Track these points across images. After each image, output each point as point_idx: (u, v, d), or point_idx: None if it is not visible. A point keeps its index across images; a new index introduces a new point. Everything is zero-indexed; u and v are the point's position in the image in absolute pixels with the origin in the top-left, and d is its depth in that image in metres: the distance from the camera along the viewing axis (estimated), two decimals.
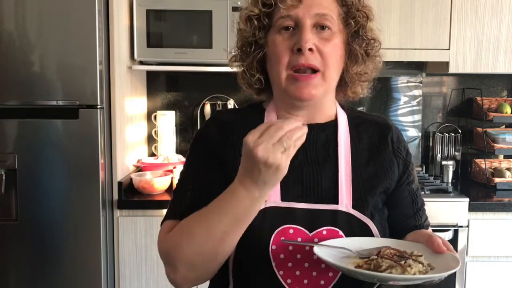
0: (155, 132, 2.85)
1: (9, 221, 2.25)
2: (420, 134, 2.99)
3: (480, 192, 2.65)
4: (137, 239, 2.37)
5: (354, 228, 1.01)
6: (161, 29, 2.54)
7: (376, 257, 0.92)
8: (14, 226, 2.25)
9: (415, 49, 2.61)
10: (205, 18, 2.50)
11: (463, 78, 3.02)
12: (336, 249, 0.95)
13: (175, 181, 2.48)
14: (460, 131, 2.96)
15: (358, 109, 1.20)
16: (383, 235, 1.05)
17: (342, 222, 1.01)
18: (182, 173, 1.12)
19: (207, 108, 2.91)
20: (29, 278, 2.27)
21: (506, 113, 2.82)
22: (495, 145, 2.76)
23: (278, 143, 0.85)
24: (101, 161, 2.24)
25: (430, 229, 1.16)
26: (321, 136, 1.09)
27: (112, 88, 2.33)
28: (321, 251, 0.93)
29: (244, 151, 0.88)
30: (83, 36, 2.19)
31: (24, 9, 2.19)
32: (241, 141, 0.89)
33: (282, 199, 1.02)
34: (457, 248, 2.42)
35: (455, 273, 0.90)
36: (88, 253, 2.26)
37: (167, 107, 2.96)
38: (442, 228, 2.39)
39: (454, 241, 2.40)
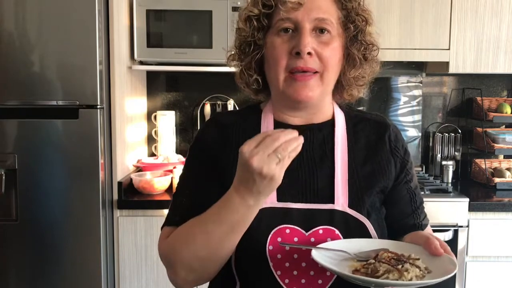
0: (155, 132, 2.85)
1: (9, 221, 2.25)
2: (420, 134, 2.99)
3: (480, 192, 2.65)
4: (137, 239, 2.37)
5: (351, 227, 1.01)
6: (161, 29, 2.54)
7: (373, 261, 0.92)
8: (14, 226, 2.25)
9: (415, 49, 2.61)
10: (205, 18, 2.50)
11: (463, 78, 3.02)
12: (334, 252, 0.96)
13: (175, 181, 2.49)
14: (460, 131, 2.96)
15: (357, 108, 1.21)
16: (380, 234, 1.05)
17: (339, 221, 1.01)
18: (180, 177, 1.13)
19: (207, 108, 2.91)
20: (29, 278, 2.27)
21: (506, 113, 2.82)
22: (495, 145, 2.76)
23: (273, 153, 0.86)
24: (101, 161, 2.24)
25: (429, 227, 1.16)
26: (318, 135, 1.09)
27: (112, 88, 2.33)
28: (319, 254, 0.93)
29: (240, 160, 0.89)
30: (83, 36, 2.19)
31: (24, 9, 2.19)
32: (241, 143, 0.90)
33: (279, 200, 1.03)
34: (457, 248, 2.42)
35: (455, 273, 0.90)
36: (88, 253, 2.26)
37: (167, 107, 2.96)
38: (442, 228, 2.39)
39: (454, 241, 2.40)
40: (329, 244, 0.98)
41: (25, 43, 2.20)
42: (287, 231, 1.00)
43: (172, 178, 2.54)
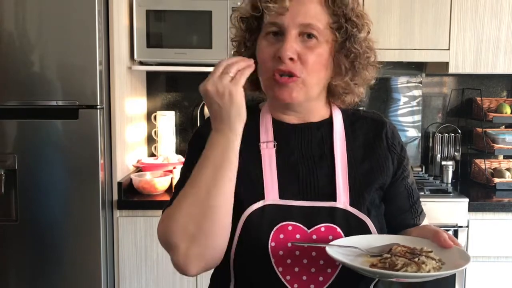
0: (155, 132, 2.86)
1: (9, 221, 2.26)
2: (419, 134, 3.00)
3: (480, 193, 2.66)
4: (137, 240, 2.37)
5: (352, 225, 1.02)
6: (161, 29, 2.54)
7: (389, 255, 0.93)
8: (14, 226, 2.25)
9: (415, 49, 2.61)
10: (205, 18, 2.50)
11: (462, 78, 3.02)
12: (346, 248, 0.97)
13: (175, 182, 2.48)
14: (459, 131, 2.97)
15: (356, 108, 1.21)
16: (380, 231, 1.06)
17: (340, 219, 1.02)
18: (182, 169, 1.13)
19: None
20: (29, 278, 2.27)
21: (505, 113, 2.82)
22: (495, 145, 2.76)
23: (223, 73, 0.94)
24: (101, 161, 2.25)
25: (426, 221, 1.18)
26: (317, 134, 1.10)
27: (112, 88, 2.33)
28: (333, 251, 0.94)
29: (203, 98, 0.96)
30: (83, 36, 2.19)
31: (24, 9, 2.19)
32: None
33: (280, 197, 1.03)
34: None
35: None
36: (88, 253, 2.26)
37: (167, 107, 2.96)
38: (442, 228, 2.38)
39: None
40: (341, 241, 0.99)
41: (25, 43, 2.20)
42: (289, 228, 1.00)
43: (172, 178, 2.55)
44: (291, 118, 1.11)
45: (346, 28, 1.03)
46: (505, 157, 2.94)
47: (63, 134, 2.24)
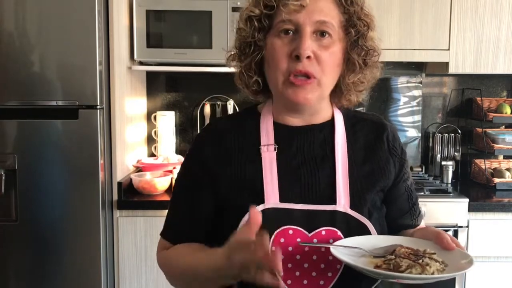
0: (155, 132, 2.85)
1: (9, 221, 2.25)
2: (419, 134, 3.00)
3: (480, 193, 2.66)
4: (137, 240, 2.37)
5: (352, 228, 1.02)
6: (161, 29, 2.54)
7: (393, 257, 0.94)
8: (14, 226, 2.25)
9: (414, 49, 2.61)
10: (205, 18, 2.50)
11: (462, 78, 3.02)
12: (350, 249, 0.97)
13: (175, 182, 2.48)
14: (459, 131, 2.97)
15: (356, 109, 1.21)
16: (381, 233, 1.06)
17: (340, 222, 1.02)
18: (175, 188, 1.15)
19: (207, 109, 2.91)
20: (29, 278, 2.27)
21: (505, 113, 2.82)
22: (495, 145, 2.76)
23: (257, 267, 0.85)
24: (101, 161, 2.24)
25: (422, 221, 1.20)
26: (319, 136, 1.10)
27: (112, 88, 2.33)
28: (338, 252, 0.95)
29: (229, 252, 0.89)
30: (83, 36, 2.19)
31: (24, 9, 2.19)
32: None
33: (281, 200, 1.03)
34: None
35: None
36: (88, 253, 2.26)
37: (167, 107, 2.96)
38: (442, 229, 2.38)
39: None
40: (344, 241, 0.99)
41: (25, 43, 2.20)
42: (290, 232, 1.00)
43: (172, 178, 2.54)
44: (295, 120, 1.10)
45: (359, 27, 1.04)
46: (505, 157, 2.94)
47: (63, 134, 2.23)
